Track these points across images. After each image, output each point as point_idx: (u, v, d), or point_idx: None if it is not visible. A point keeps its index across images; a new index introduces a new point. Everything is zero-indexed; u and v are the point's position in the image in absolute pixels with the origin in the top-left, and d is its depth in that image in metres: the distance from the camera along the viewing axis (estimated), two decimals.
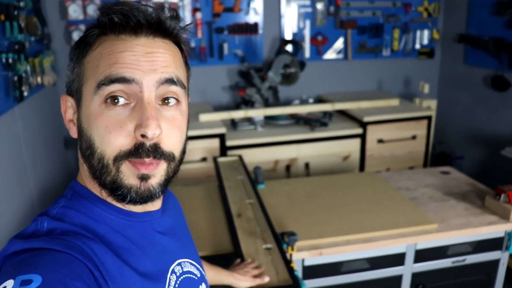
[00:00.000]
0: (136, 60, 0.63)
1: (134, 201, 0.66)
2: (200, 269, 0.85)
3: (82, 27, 3.06)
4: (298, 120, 3.14)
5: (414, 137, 3.18)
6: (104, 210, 0.69)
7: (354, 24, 3.55)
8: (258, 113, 3.07)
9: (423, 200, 1.98)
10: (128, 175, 0.64)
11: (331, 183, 2.18)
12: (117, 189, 0.65)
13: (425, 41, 3.76)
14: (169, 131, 0.66)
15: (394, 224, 1.75)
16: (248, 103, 3.24)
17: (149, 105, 0.63)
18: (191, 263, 0.82)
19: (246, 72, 3.26)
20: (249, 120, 3.13)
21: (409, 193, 2.06)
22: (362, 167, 3.13)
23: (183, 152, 0.71)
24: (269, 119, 3.15)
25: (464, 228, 1.74)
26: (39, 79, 2.45)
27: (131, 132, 0.63)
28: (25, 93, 2.20)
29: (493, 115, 3.28)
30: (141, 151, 0.63)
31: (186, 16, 3.25)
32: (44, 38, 2.68)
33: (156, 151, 0.64)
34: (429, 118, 3.18)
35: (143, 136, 0.62)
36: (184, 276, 0.77)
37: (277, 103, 3.36)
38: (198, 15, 3.23)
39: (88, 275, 0.59)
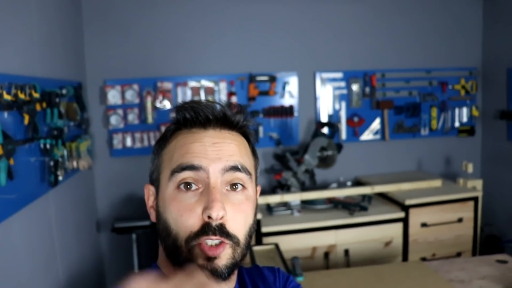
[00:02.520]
0: (204, 150, 0.71)
1: None
2: None
3: (120, 111, 3.12)
4: (336, 204, 3.01)
5: (460, 220, 2.98)
6: None
7: (390, 104, 3.51)
8: (294, 198, 2.97)
9: None
10: (199, 256, 0.68)
11: (375, 274, 2.01)
12: None
13: (465, 119, 3.67)
14: (233, 215, 0.70)
15: None
16: (284, 187, 3.16)
17: (215, 189, 0.69)
18: None
19: (282, 155, 3.22)
20: (285, 205, 3.02)
21: (463, 287, 1.87)
22: (405, 253, 2.93)
23: (249, 236, 0.74)
24: (306, 204, 3.04)
25: None
26: (74, 163, 2.46)
27: (199, 215, 0.68)
28: (60, 178, 2.19)
29: None
30: (207, 229, 0.67)
31: (221, 100, 3.28)
32: (82, 122, 2.72)
33: (221, 230, 0.68)
34: (475, 199, 3.00)
35: (209, 217, 0.67)
36: None
37: (314, 186, 3.26)
38: (234, 98, 3.26)
39: None
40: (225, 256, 0.69)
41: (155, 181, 0.77)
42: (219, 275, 0.69)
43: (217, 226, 0.68)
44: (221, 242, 0.68)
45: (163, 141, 0.77)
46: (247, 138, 0.79)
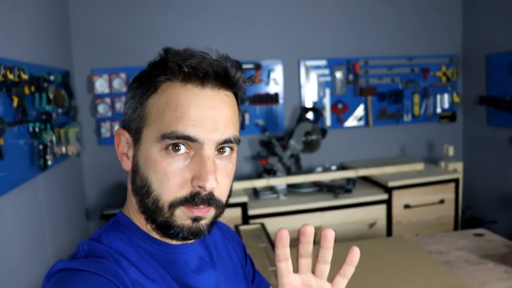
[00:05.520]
0: (201, 117, 0.66)
1: (185, 238, 0.70)
2: None
3: (108, 100, 3.16)
4: (321, 188, 3.08)
5: (442, 201, 3.07)
6: (139, 238, 0.73)
7: (373, 91, 3.58)
8: (280, 182, 3.03)
9: (458, 264, 1.87)
10: (182, 217, 0.68)
11: (359, 248, 2.07)
12: (168, 229, 0.69)
13: (446, 105, 3.75)
14: (221, 181, 0.69)
15: None
16: (270, 172, 3.22)
17: (209, 160, 0.66)
18: None
19: (268, 142, 3.28)
20: (272, 189, 3.09)
21: (441, 257, 1.95)
22: (389, 234, 3.01)
23: (229, 196, 0.74)
24: (291, 187, 3.11)
25: None
26: (63, 149, 2.50)
27: (188, 181, 0.66)
28: (49, 162, 2.23)
29: None
30: (197, 199, 0.66)
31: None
32: (70, 110, 2.76)
33: (211, 199, 0.68)
34: (456, 181, 3.09)
35: (200, 187, 0.65)
36: None
37: (300, 171, 3.33)
38: None
39: None
40: (208, 217, 0.70)
41: (134, 131, 0.71)
42: (202, 234, 0.70)
43: (206, 195, 0.67)
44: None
45: (148, 88, 0.69)
46: (236, 96, 0.74)
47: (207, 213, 0.69)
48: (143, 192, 0.69)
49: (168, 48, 0.69)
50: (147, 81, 0.70)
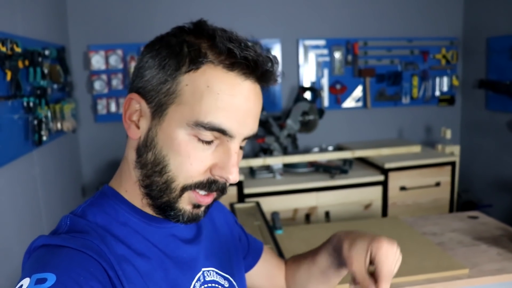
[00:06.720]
0: (238, 110, 0.63)
1: (182, 222, 0.70)
2: (231, 279, 0.83)
3: (104, 76, 3.13)
4: (318, 168, 3.08)
5: (438, 184, 3.07)
6: (128, 212, 0.71)
7: (372, 72, 3.55)
8: (276, 161, 3.03)
9: (451, 245, 1.87)
10: (185, 201, 0.68)
11: (352, 228, 2.08)
12: (169, 210, 0.68)
13: (445, 88, 3.73)
14: None
15: (420, 269, 1.64)
16: (266, 152, 3.21)
17: (236, 153, 0.66)
18: (217, 273, 0.80)
19: (265, 121, 3.26)
20: (268, 168, 3.08)
21: (435, 238, 1.95)
22: (384, 215, 3.02)
23: None
24: (288, 167, 3.11)
25: (499, 274, 1.62)
26: (59, 125, 2.48)
27: (208, 168, 0.66)
28: (44, 138, 2.22)
29: None
30: (213, 186, 0.67)
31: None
32: (66, 85, 2.73)
33: (224, 188, 0.69)
34: (452, 164, 3.08)
35: (221, 177, 0.66)
36: (206, 285, 0.76)
37: (296, 151, 3.32)
38: None
39: (103, 274, 0.60)
40: (210, 203, 0.71)
41: (156, 104, 0.66)
42: (198, 219, 0.71)
43: (223, 184, 0.68)
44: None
45: (185, 63, 0.64)
46: None
47: (210, 201, 0.70)
48: (156, 169, 0.66)
49: (206, 23, 0.66)
50: (181, 53, 0.64)
